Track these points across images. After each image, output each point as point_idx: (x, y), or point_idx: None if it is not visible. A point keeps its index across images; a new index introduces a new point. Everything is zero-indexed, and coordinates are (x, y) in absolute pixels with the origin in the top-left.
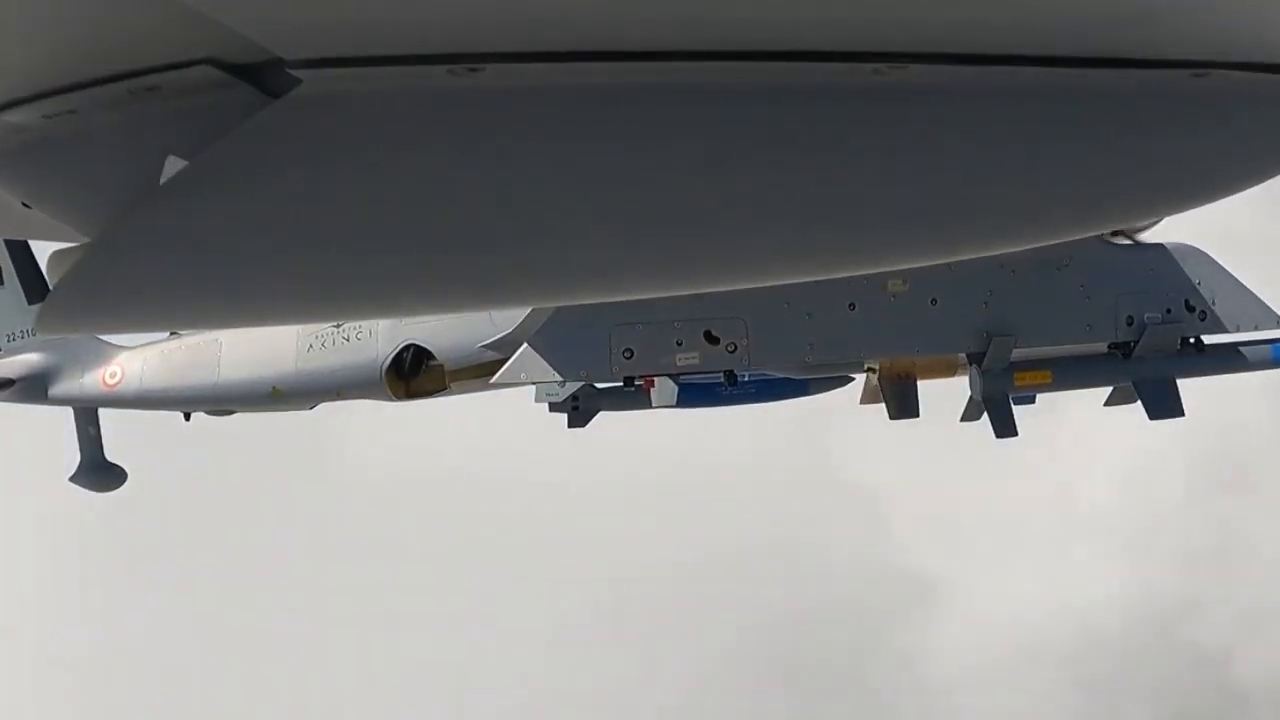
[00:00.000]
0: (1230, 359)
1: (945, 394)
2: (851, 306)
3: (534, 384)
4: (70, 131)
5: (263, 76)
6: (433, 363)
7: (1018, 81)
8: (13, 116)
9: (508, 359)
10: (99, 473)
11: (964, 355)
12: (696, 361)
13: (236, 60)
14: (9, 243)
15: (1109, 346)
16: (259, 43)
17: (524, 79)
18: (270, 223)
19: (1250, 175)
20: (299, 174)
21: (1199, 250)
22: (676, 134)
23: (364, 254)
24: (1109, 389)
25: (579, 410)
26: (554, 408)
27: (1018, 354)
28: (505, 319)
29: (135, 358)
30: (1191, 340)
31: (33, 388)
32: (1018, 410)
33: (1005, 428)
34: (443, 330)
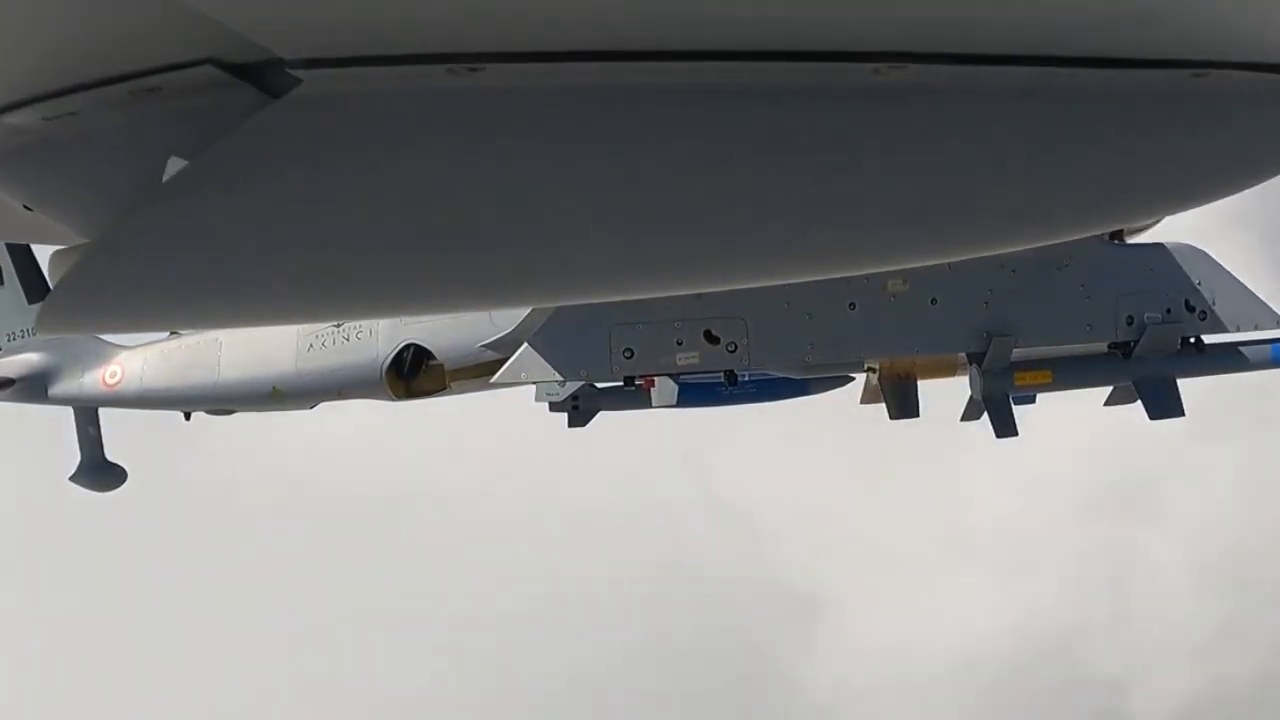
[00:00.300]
0: (1230, 359)
1: (945, 394)
2: (851, 306)
3: (534, 384)
4: (72, 133)
5: (264, 76)
6: (433, 362)
7: (1018, 81)
8: (14, 119)
9: (508, 359)
10: (99, 472)
11: (964, 355)
12: (696, 361)
13: (237, 60)
14: (9, 243)
15: (1109, 346)
16: (259, 43)
17: (524, 79)
18: (270, 223)
19: (1250, 175)
20: (299, 174)
21: (1199, 250)
22: (676, 134)
23: (364, 254)
24: (1109, 389)
25: (579, 410)
26: (554, 408)
27: (1018, 354)
28: (505, 319)
29: (135, 357)
30: (1192, 340)
31: (33, 387)
32: (1018, 410)
33: (1005, 427)
34: (443, 330)
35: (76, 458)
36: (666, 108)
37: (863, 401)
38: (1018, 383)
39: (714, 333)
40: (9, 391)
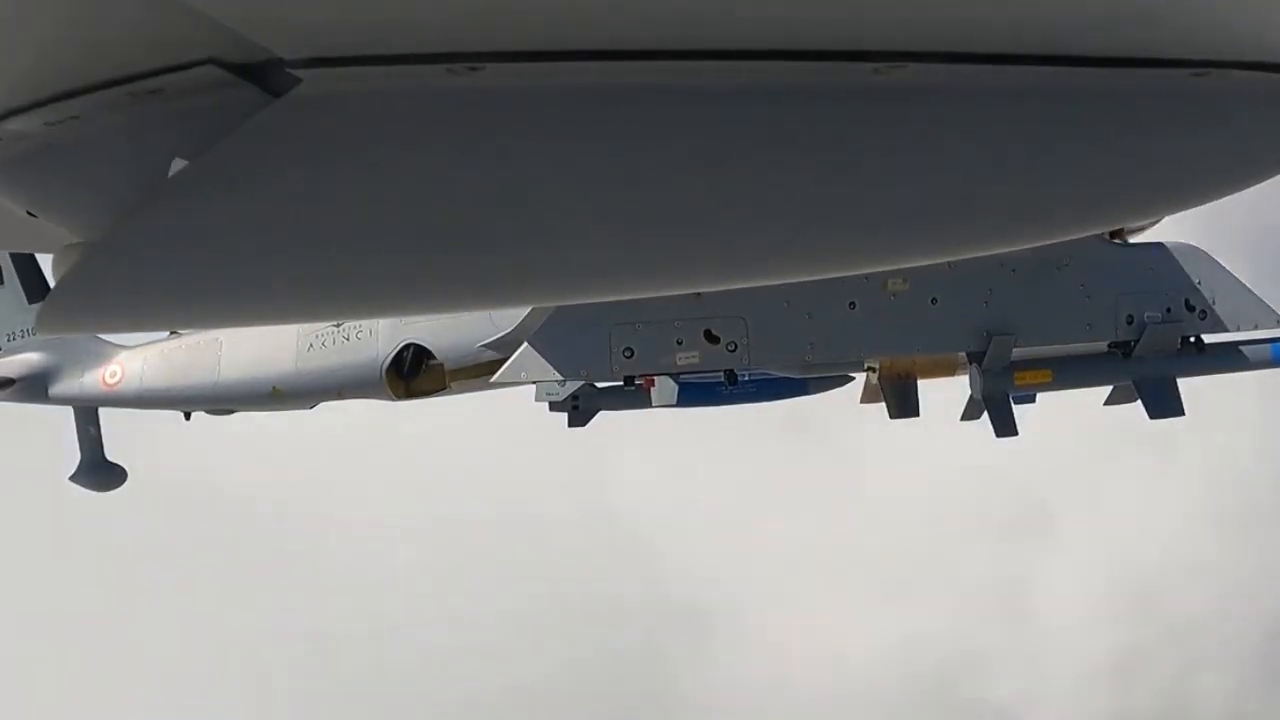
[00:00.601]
0: (1230, 358)
1: (946, 394)
2: (851, 306)
3: (534, 383)
4: (74, 137)
5: (265, 76)
6: (433, 362)
7: (1018, 81)
8: (15, 124)
9: (508, 358)
10: (99, 472)
11: (964, 354)
12: (697, 361)
13: (238, 60)
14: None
15: (1109, 346)
16: (259, 43)
17: (524, 79)
18: (270, 222)
19: (1250, 175)
20: (299, 174)
21: (1199, 249)
22: (676, 134)
23: (364, 254)
24: (1109, 388)
25: (579, 410)
26: (554, 407)
27: (1018, 353)
28: (505, 318)
29: (135, 357)
30: (1192, 339)
31: (33, 387)
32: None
33: (1005, 427)
34: (443, 330)
35: (76, 457)
36: (666, 108)
37: (863, 401)
38: (1018, 382)
39: (714, 332)
40: (9, 391)
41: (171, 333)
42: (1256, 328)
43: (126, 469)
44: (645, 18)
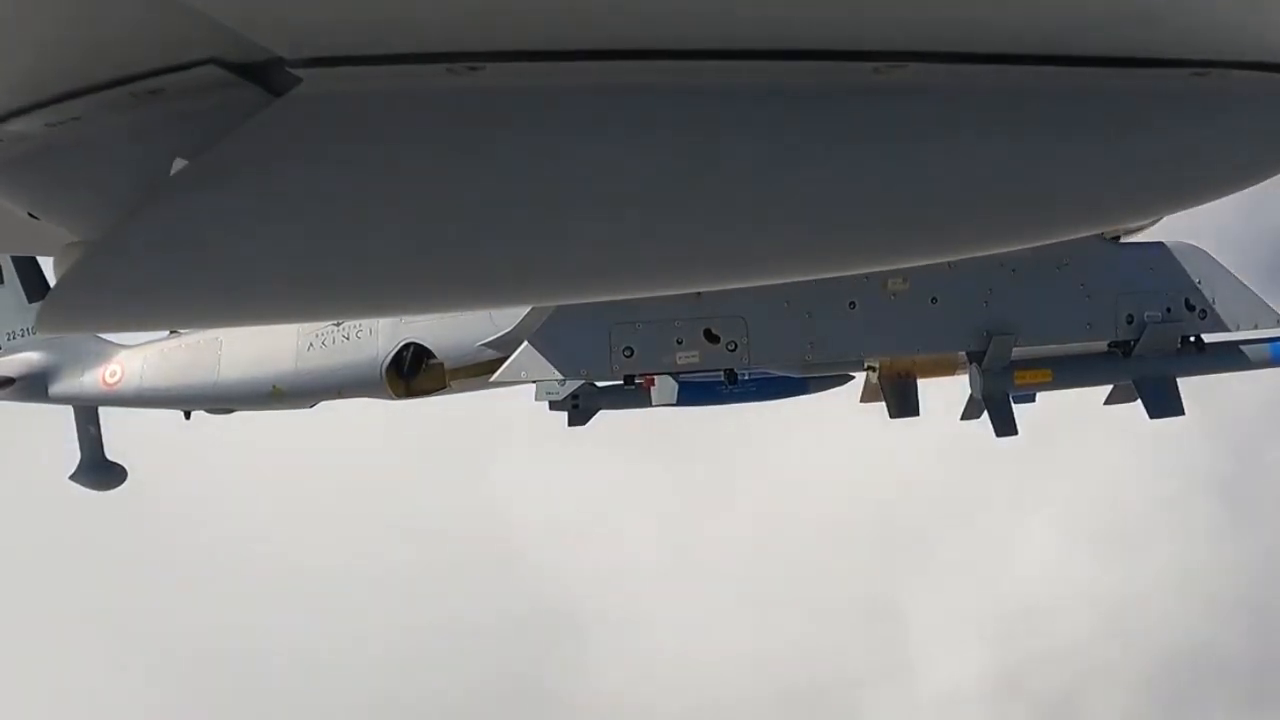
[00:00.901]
0: (1230, 358)
1: (946, 393)
2: (851, 306)
3: (534, 382)
4: (75, 138)
5: (266, 76)
6: (433, 361)
7: (1018, 81)
8: (16, 126)
9: (507, 357)
10: (99, 471)
11: (964, 354)
12: (697, 360)
13: (240, 60)
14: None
15: (1109, 345)
16: (259, 42)
17: (524, 79)
18: (270, 222)
19: (1250, 175)
20: (299, 173)
21: (1199, 249)
22: (676, 134)
23: (364, 253)
24: (1109, 387)
25: (579, 409)
26: (554, 406)
27: (1018, 353)
28: (505, 317)
29: (135, 356)
30: (1192, 339)
31: (33, 386)
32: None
33: (1005, 426)
34: (443, 329)
35: (77, 456)
36: (666, 107)
37: (863, 400)
38: (1018, 382)
39: (714, 332)
40: (9, 391)
41: (171, 332)
42: (1256, 327)
43: (126, 469)
44: (645, 18)
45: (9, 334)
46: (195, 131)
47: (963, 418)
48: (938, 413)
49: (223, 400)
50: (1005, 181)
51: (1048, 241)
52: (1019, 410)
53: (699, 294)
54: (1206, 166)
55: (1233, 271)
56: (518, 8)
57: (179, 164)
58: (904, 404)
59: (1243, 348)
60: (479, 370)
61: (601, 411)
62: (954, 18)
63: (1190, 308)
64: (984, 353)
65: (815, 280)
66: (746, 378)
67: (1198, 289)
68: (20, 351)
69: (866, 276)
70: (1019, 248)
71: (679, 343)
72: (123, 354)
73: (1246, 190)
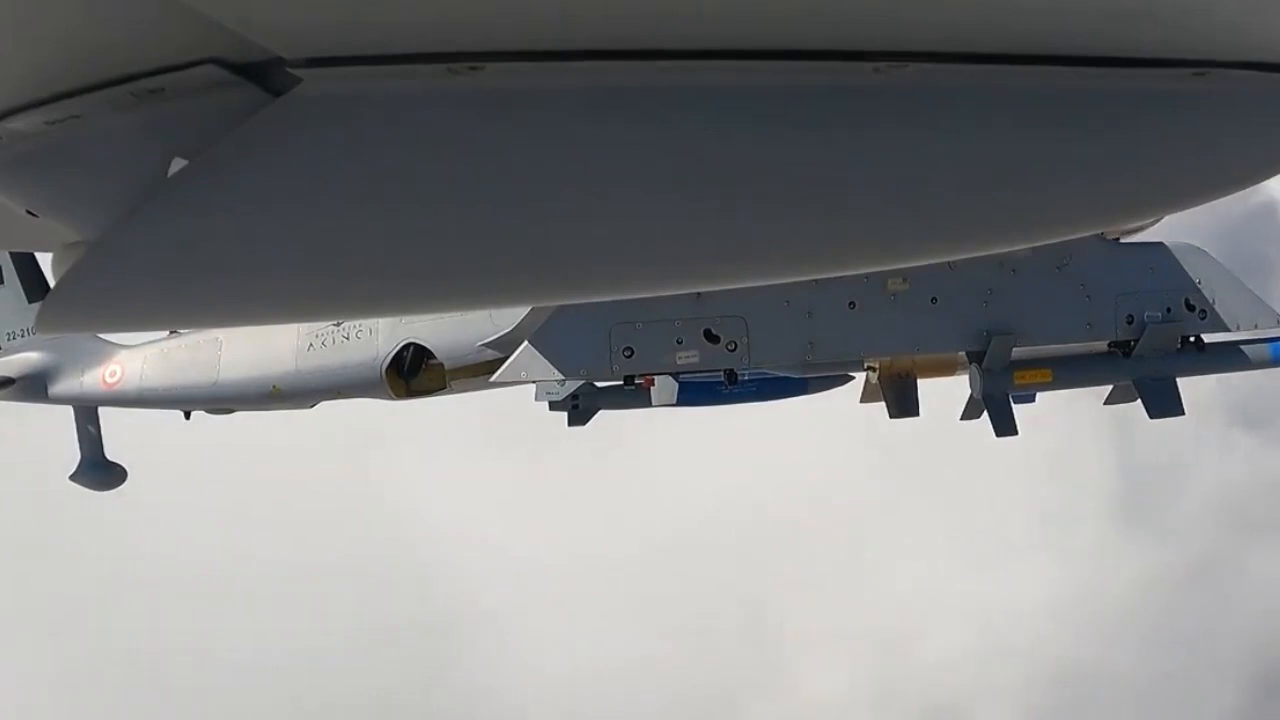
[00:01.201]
0: (1230, 358)
1: (946, 394)
2: (851, 306)
3: (534, 383)
4: (75, 137)
5: (267, 76)
6: (433, 361)
7: (1018, 81)
8: (16, 124)
9: (508, 357)
10: (99, 471)
11: (964, 354)
12: (696, 360)
13: (240, 60)
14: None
15: (1109, 345)
16: (258, 42)
17: (524, 79)
18: (270, 222)
19: (1250, 175)
20: (299, 173)
21: (1199, 249)
22: (676, 134)
23: (364, 253)
24: (1109, 387)
25: (579, 409)
26: (554, 406)
27: (1018, 353)
28: (505, 317)
29: (135, 356)
30: (1192, 339)
31: (33, 386)
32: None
33: (1005, 427)
34: (443, 329)
35: (77, 457)
36: (666, 108)
37: (862, 400)
38: (1018, 382)
39: (714, 332)
40: (9, 391)
41: (171, 332)
42: (1256, 327)
43: (126, 469)
44: (645, 18)
45: (9, 334)
46: (195, 131)
47: (963, 418)
48: (938, 413)
49: (223, 400)
50: (1005, 181)
51: (1048, 241)
52: (1018, 410)
53: (699, 294)
54: (1206, 166)
55: (1232, 271)
56: (518, 8)
57: (179, 164)
58: (904, 404)
59: (1243, 348)
60: (479, 370)
61: (601, 411)
62: (954, 18)
63: (1190, 308)
64: (984, 353)
65: (815, 280)
66: (746, 378)
67: (1198, 289)
68: (20, 351)
69: (866, 276)
70: (1019, 248)
71: (679, 343)
72: (123, 354)
73: (1246, 190)
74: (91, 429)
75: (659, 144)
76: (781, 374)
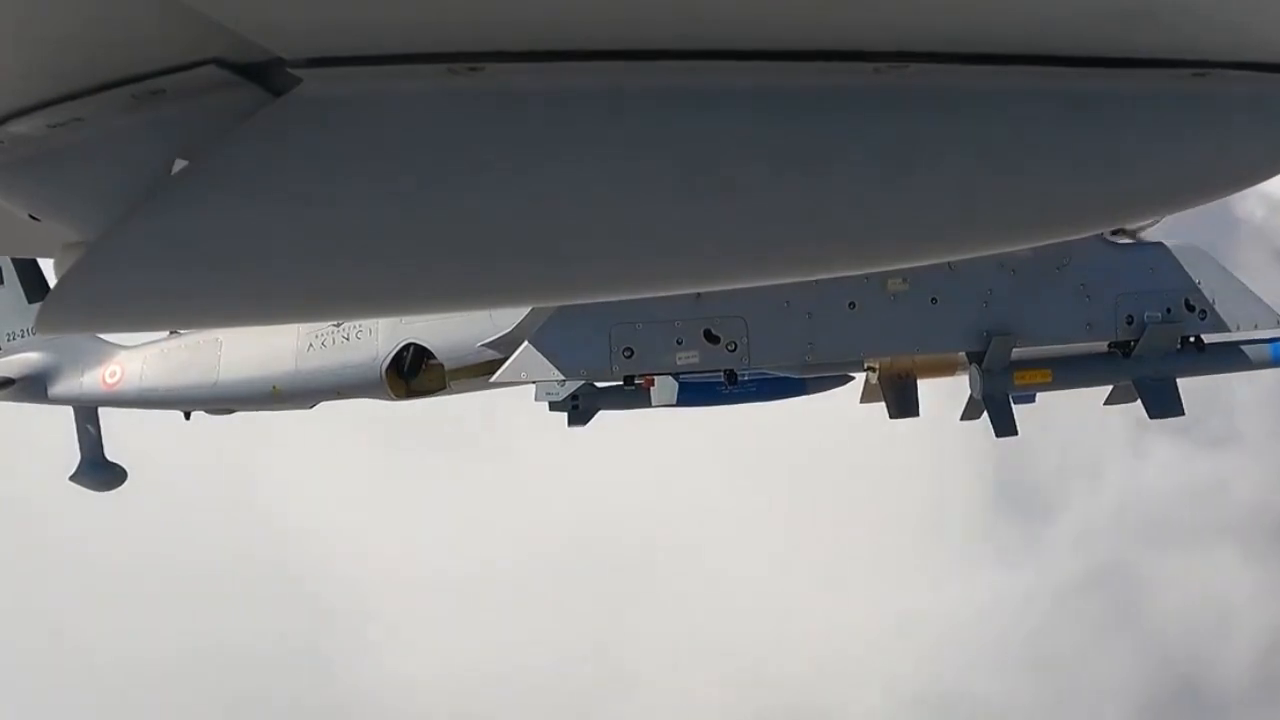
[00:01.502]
0: (1230, 358)
1: (946, 393)
2: (851, 306)
3: (534, 383)
4: (76, 139)
5: (267, 76)
6: (433, 362)
7: (1018, 81)
8: (18, 127)
9: (508, 358)
10: (99, 472)
11: (964, 354)
12: (696, 361)
13: (241, 60)
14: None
15: (1109, 345)
16: (258, 42)
17: (524, 79)
18: (269, 222)
19: (1250, 175)
20: (299, 174)
21: (1199, 249)
22: (676, 134)
23: (364, 253)
24: (1109, 388)
25: (579, 409)
26: (554, 407)
27: (1018, 353)
28: (505, 318)
29: (135, 357)
30: (1192, 339)
31: (33, 387)
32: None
33: (1005, 427)
34: (443, 329)
35: (76, 457)
36: (666, 108)
37: (862, 401)
38: (1018, 382)
39: (714, 332)
40: (9, 391)
41: (171, 332)
42: (1256, 328)
43: (126, 468)
44: (646, 18)
45: (9, 334)
46: (196, 131)
47: (963, 418)
48: (938, 413)
49: (223, 401)
50: (1005, 181)
51: (1048, 241)
52: (1018, 410)
53: (699, 294)
54: (1206, 166)
55: (1233, 272)
56: (517, 8)
57: (179, 164)
58: (904, 404)
59: (1243, 348)
60: (479, 370)
61: (601, 412)
62: (954, 18)
63: (1190, 308)
64: (984, 353)
65: (815, 280)
66: (746, 378)
67: (1198, 289)
68: (20, 352)
69: (866, 277)
70: (1019, 248)
71: (679, 343)
72: (123, 354)
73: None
74: (91, 429)
75: (659, 144)
76: (781, 374)
